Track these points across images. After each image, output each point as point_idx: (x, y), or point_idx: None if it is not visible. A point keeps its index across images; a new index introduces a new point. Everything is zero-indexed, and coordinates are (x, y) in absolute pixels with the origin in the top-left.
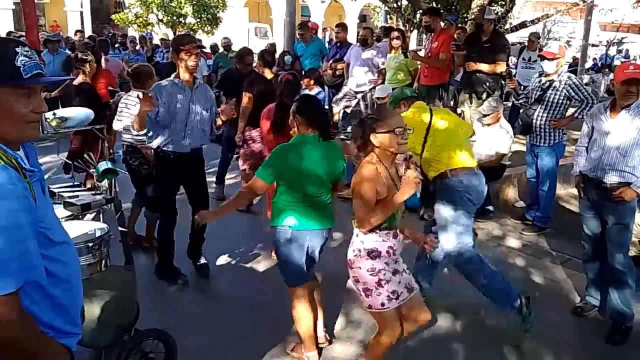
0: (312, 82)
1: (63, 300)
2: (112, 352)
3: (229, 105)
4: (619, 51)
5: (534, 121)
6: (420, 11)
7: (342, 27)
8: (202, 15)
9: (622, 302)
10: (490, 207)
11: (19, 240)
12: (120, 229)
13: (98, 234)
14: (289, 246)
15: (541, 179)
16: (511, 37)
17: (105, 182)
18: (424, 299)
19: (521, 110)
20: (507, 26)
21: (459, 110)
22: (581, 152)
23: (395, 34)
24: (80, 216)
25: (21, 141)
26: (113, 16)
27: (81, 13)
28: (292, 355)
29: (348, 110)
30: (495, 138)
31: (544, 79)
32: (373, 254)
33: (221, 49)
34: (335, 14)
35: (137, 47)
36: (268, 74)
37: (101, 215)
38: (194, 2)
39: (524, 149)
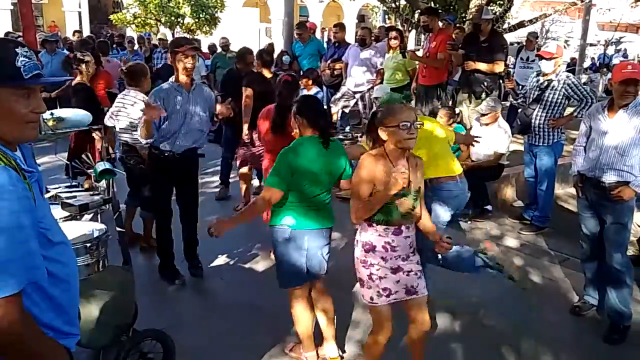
0: (310, 82)
1: (62, 300)
2: (110, 353)
3: (225, 105)
4: (617, 51)
5: (533, 121)
6: (419, 11)
7: (340, 27)
8: (201, 16)
9: (621, 302)
10: (489, 207)
11: (22, 241)
12: (118, 229)
13: (96, 234)
14: (288, 246)
15: (540, 178)
16: (509, 37)
17: (103, 183)
18: None
19: (519, 110)
20: (505, 26)
21: (457, 110)
22: (579, 151)
23: (394, 33)
24: (78, 217)
25: (20, 141)
26: (111, 16)
27: (79, 13)
28: (290, 355)
29: (346, 110)
30: (493, 138)
31: (541, 79)
32: (366, 247)
33: (219, 49)
34: (334, 14)
35: (135, 48)
36: (267, 74)
37: (99, 216)
38: (192, 2)
39: (522, 148)
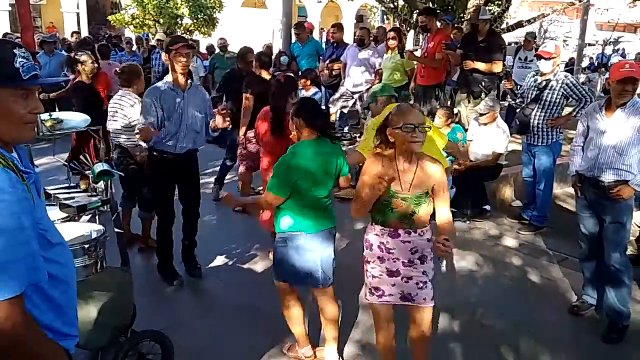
0: (308, 82)
1: (62, 301)
2: (108, 354)
3: (219, 113)
4: (615, 50)
5: (531, 121)
6: (417, 11)
7: (338, 27)
8: (199, 16)
9: (619, 301)
10: (487, 207)
11: (23, 243)
12: (116, 230)
13: (94, 235)
14: (295, 251)
15: (538, 178)
16: (507, 37)
17: (101, 184)
18: None
19: (518, 110)
20: (504, 26)
21: (455, 110)
22: (577, 151)
23: (392, 34)
24: (76, 217)
25: (18, 142)
26: (109, 17)
27: (77, 14)
28: (288, 355)
29: (345, 111)
30: (491, 137)
31: (539, 79)
32: (366, 245)
33: (217, 50)
34: (332, 14)
35: (134, 49)
36: (265, 75)
37: (97, 217)
38: (191, 3)
39: (520, 148)
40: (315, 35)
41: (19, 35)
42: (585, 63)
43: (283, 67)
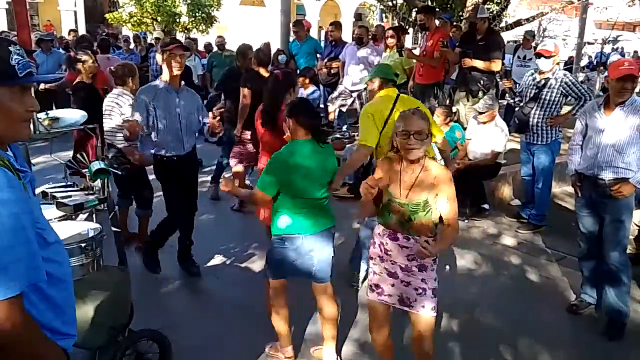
0: (307, 80)
1: (60, 300)
2: (106, 353)
3: (214, 116)
4: (615, 49)
5: (530, 119)
6: (416, 9)
7: (336, 25)
8: (197, 14)
9: (619, 299)
10: (486, 205)
11: (22, 243)
12: (113, 229)
13: (91, 234)
14: (291, 250)
15: (537, 176)
16: (507, 36)
17: (98, 182)
18: None
19: (516, 109)
20: (502, 24)
21: (454, 109)
22: (575, 150)
23: (390, 32)
24: (73, 216)
25: (15, 140)
26: (107, 15)
27: (75, 12)
28: (270, 354)
29: (344, 109)
30: (490, 136)
31: (538, 77)
32: (372, 240)
33: (215, 48)
34: (331, 12)
35: (131, 47)
36: (264, 73)
37: (94, 216)
38: (188, 1)
39: (519, 147)
40: (314, 33)
41: (15, 33)
42: (584, 62)
43: (281, 65)
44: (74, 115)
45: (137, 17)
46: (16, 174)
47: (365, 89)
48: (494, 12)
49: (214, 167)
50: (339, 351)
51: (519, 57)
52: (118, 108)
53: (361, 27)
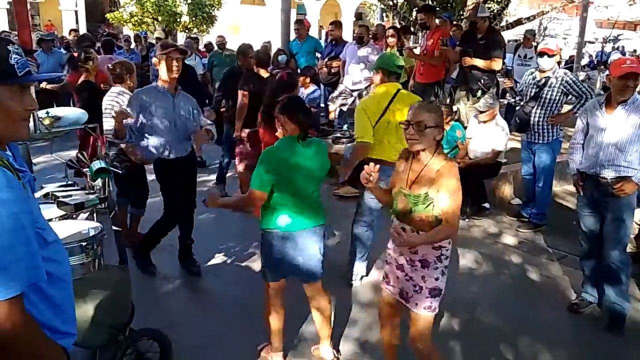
0: (307, 80)
1: (60, 299)
2: (106, 352)
3: (201, 133)
4: (615, 48)
5: (531, 118)
6: (416, 9)
7: (336, 24)
8: (197, 14)
9: (618, 297)
10: (487, 204)
11: (22, 242)
12: (114, 228)
13: (92, 233)
14: (281, 247)
15: (538, 175)
16: (507, 35)
17: (99, 181)
18: None
19: (517, 108)
20: (503, 23)
21: (454, 108)
22: (577, 148)
23: (391, 31)
24: (73, 215)
25: (14, 139)
26: (108, 15)
27: (76, 12)
28: (259, 352)
29: (344, 108)
30: (491, 135)
31: (538, 76)
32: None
33: (215, 48)
34: (331, 12)
35: (132, 46)
36: (263, 73)
37: (94, 215)
38: (189, 1)
39: (519, 146)
40: (314, 33)
41: (16, 33)
42: (584, 61)
43: (282, 65)
44: (75, 115)
45: (138, 16)
46: (15, 174)
47: (366, 88)
48: (495, 11)
49: (214, 167)
50: (338, 350)
51: (519, 56)
52: (118, 107)
53: (362, 26)
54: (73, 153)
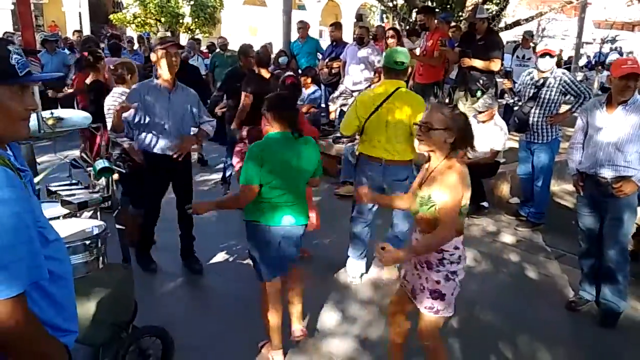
0: (309, 80)
1: (61, 297)
2: (109, 350)
3: (186, 138)
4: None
5: (530, 119)
6: (416, 10)
7: (337, 25)
8: (200, 15)
9: (615, 295)
10: (485, 203)
11: (25, 241)
12: (117, 226)
13: (95, 231)
14: (261, 240)
15: (537, 175)
16: (506, 36)
17: (102, 180)
18: None
19: (515, 108)
20: (502, 24)
21: None
22: (576, 148)
23: (391, 32)
24: (77, 214)
25: (15, 139)
26: (111, 16)
27: (79, 13)
28: (261, 352)
29: (345, 109)
30: (489, 135)
31: (536, 77)
32: None
33: (218, 49)
34: (332, 13)
35: (135, 47)
36: (265, 74)
37: (98, 213)
38: (192, 2)
39: (517, 145)
40: (314, 34)
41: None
42: (583, 61)
43: (282, 66)
44: (78, 115)
45: (141, 18)
46: (17, 173)
47: (366, 88)
48: (493, 13)
49: (216, 166)
50: (339, 347)
51: (518, 56)
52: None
53: (362, 27)
54: (76, 152)
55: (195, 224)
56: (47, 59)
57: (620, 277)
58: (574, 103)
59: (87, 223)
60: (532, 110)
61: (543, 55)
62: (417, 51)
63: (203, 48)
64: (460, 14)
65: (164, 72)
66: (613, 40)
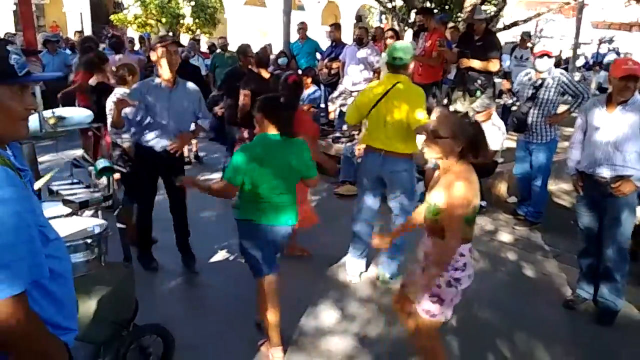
0: (308, 80)
1: (61, 294)
2: (110, 348)
3: (185, 136)
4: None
5: (529, 119)
6: (415, 11)
7: (336, 26)
8: (201, 16)
9: (612, 294)
10: (483, 203)
11: (26, 240)
12: (118, 225)
13: (96, 230)
14: (251, 238)
15: (535, 174)
16: (504, 36)
17: (103, 180)
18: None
19: (513, 109)
20: (500, 25)
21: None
22: (576, 147)
23: (390, 33)
24: (78, 213)
25: (15, 139)
26: (112, 17)
27: (80, 14)
28: (260, 349)
29: (344, 109)
30: (487, 135)
31: (534, 77)
32: None
33: (218, 50)
34: (331, 14)
35: (136, 48)
36: (264, 74)
37: (99, 212)
38: (193, 3)
39: (515, 145)
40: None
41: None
42: (580, 62)
43: (282, 67)
44: (79, 114)
45: (142, 18)
46: (17, 173)
47: None
48: (491, 13)
49: (216, 165)
50: (338, 345)
51: (515, 57)
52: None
53: (361, 28)
54: (77, 152)
55: (195, 223)
56: (49, 59)
57: (619, 276)
58: (572, 103)
59: (89, 222)
60: (531, 111)
61: (541, 56)
62: (417, 52)
63: (204, 49)
64: (459, 14)
65: (164, 71)
66: (610, 41)
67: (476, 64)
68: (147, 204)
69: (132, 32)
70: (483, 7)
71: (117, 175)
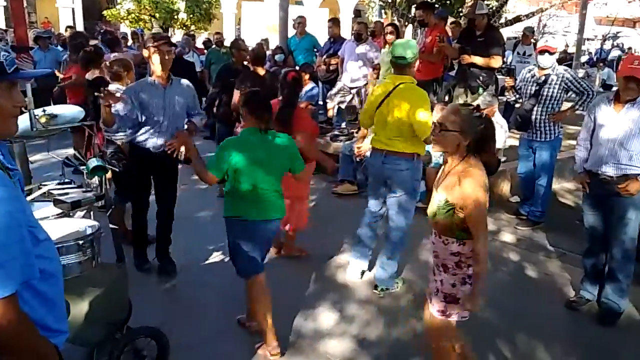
0: (306, 77)
1: (52, 294)
2: (104, 350)
3: (183, 135)
4: (615, 45)
5: (532, 116)
6: (415, 6)
7: (334, 22)
8: (195, 11)
9: (616, 294)
10: None
11: (17, 241)
12: (111, 226)
13: (89, 231)
14: (241, 236)
15: (538, 173)
16: (507, 32)
17: (95, 179)
18: None
19: (516, 106)
20: (502, 20)
21: None
22: (583, 145)
23: (389, 28)
24: (70, 213)
25: (3, 136)
26: (105, 12)
27: (73, 10)
28: (258, 352)
29: (342, 106)
30: None
31: (537, 74)
32: None
33: (213, 45)
34: (330, 9)
35: (129, 43)
36: (260, 71)
37: (91, 213)
38: None
39: (518, 143)
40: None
41: (12, 30)
42: (584, 58)
43: (279, 63)
44: (71, 111)
45: (135, 14)
46: (6, 172)
47: (365, 85)
48: (493, 8)
49: None
50: (337, 346)
51: (518, 53)
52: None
53: (360, 23)
54: (69, 151)
55: (191, 223)
56: (40, 56)
57: (623, 276)
58: (577, 100)
59: (81, 223)
60: (534, 108)
61: (542, 52)
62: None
63: (199, 44)
64: (460, 9)
65: (156, 69)
66: (615, 37)
67: (478, 60)
68: (142, 203)
69: (125, 28)
70: (485, 2)
71: (109, 174)
